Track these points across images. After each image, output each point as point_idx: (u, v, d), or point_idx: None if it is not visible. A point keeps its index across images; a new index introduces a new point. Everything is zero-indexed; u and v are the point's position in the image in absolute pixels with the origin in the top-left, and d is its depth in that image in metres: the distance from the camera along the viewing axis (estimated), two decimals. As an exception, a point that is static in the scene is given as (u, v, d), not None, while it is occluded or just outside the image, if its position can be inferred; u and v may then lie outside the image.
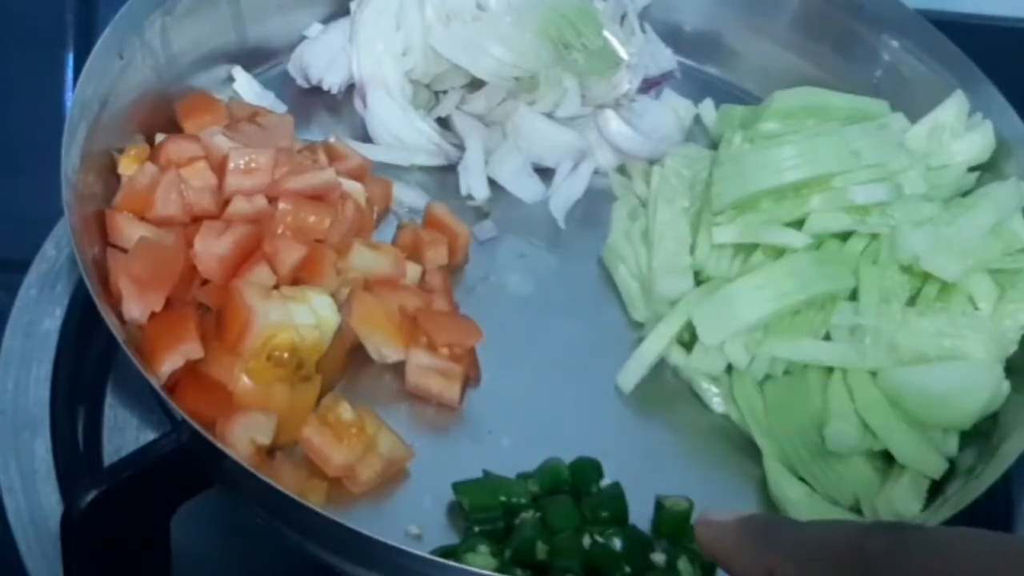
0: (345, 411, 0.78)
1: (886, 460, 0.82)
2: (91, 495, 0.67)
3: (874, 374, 0.83)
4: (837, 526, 0.56)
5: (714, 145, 1.02)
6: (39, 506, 0.80)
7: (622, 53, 1.02)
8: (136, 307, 0.77)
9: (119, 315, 0.77)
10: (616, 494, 0.80)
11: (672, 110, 1.07)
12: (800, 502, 0.81)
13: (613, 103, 1.03)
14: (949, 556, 0.49)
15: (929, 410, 0.81)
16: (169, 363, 0.75)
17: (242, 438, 0.74)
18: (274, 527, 0.76)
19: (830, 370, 0.84)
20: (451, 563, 0.68)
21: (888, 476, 0.82)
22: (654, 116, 1.05)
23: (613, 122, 1.02)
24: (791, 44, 1.08)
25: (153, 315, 0.77)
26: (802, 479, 0.82)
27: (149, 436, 0.82)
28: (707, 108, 1.08)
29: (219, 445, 0.69)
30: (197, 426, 0.68)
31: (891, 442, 0.81)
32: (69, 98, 1.06)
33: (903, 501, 0.80)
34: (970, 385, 0.81)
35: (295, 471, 0.76)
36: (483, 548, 0.75)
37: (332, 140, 0.97)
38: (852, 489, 0.81)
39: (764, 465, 0.83)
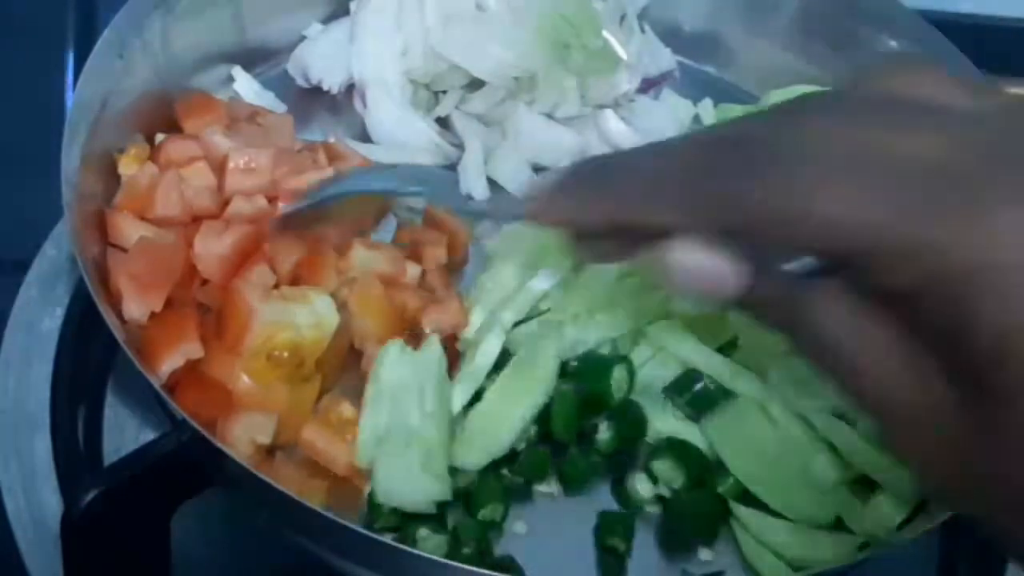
0: (346, 409, 0.78)
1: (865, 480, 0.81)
2: (91, 495, 0.67)
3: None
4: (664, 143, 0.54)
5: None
6: (39, 506, 0.80)
7: (621, 53, 1.02)
8: (136, 307, 0.77)
9: (119, 315, 0.77)
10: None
11: (672, 110, 1.07)
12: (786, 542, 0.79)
13: (612, 103, 1.03)
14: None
15: None
16: (169, 363, 0.75)
17: (242, 438, 0.74)
18: (274, 527, 0.76)
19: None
20: (451, 563, 0.68)
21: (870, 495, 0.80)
22: (654, 116, 1.05)
23: (612, 122, 1.02)
24: (790, 44, 1.08)
25: (153, 315, 0.77)
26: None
27: (149, 436, 0.82)
28: (706, 108, 1.08)
29: (219, 445, 0.69)
30: (197, 426, 0.68)
31: (883, 479, 0.79)
32: (69, 98, 1.06)
33: (887, 514, 0.79)
34: None
35: (295, 471, 0.76)
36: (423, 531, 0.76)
37: (332, 140, 0.97)
38: (833, 511, 0.80)
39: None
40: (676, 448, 0.81)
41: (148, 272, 0.78)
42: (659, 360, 0.84)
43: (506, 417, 0.79)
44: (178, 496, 0.73)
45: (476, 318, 0.86)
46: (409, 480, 0.75)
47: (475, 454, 0.78)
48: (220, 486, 0.74)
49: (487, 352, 0.82)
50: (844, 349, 0.48)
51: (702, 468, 0.81)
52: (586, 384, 0.81)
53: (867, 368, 0.48)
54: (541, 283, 0.85)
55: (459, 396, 0.80)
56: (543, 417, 0.80)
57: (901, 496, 0.79)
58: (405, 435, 0.76)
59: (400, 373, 0.79)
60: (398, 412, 0.78)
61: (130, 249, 0.80)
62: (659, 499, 0.81)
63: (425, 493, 0.75)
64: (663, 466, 0.80)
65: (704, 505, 0.80)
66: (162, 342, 0.76)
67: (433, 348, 0.80)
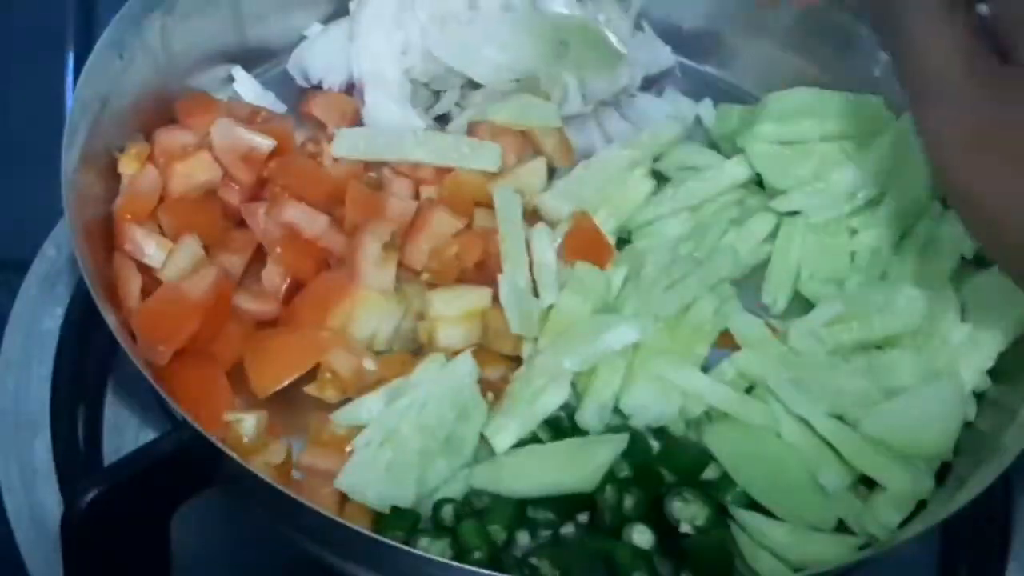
0: (335, 427, 0.80)
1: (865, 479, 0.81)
2: (91, 495, 0.67)
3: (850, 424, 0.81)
4: None
5: (714, 145, 1.02)
6: (39, 506, 0.80)
7: (621, 50, 1.02)
8: (146, 352, 0.78)
9: (119, 315, 0.77)
10: None
11: (673, 105, 1.07)
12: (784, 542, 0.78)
13: (613, 100, 1.03)
14: None
15: (910, 444, 0.80)
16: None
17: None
18: (274, 526, 0.76)
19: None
20: (451, 563, 0.69)
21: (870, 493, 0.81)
22: (656, 113, 1.05)
23: (615, 119, 1.02)
24: (790, 43, 1.08)
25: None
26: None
27: (149, 436, 0.82)
28: (706, 107, 1.07)
29: (220, 445, 0.69)
30: (198, 426, 0.68)
31: (884, 479, 0.79)
32: (69, 98, 1.06)
33: (887, 514, 0.79)
34: (943, 410, 0.80)
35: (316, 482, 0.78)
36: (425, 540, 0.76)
37: (335, 131, 0.96)
38: (836, 515, 0.80)
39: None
40: (695, 487, 0.80)
41: (161, 325, 0.79)
42: (659, 393, 0.82)
43: (525, 478, 0.78)
44: (178, 496, 0.73)
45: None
46: (374, 477, 0.76)
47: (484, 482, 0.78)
48: (220, 486, 0.74)
49: (547, 404, 0.80)
50: None
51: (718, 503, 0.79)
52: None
53: None
54: (616, 339, 0.82)
55: (507, 437, 0.79)
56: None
57: (901, 496, 0.79)
58: (385, 435, 0.77)
59: (434, 383, 0.80)
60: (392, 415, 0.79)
61: (154, 295, 0.81)
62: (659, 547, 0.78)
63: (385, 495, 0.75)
64: (681, 504, 0.78)
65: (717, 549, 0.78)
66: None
67: (465, 361, 0.81)
